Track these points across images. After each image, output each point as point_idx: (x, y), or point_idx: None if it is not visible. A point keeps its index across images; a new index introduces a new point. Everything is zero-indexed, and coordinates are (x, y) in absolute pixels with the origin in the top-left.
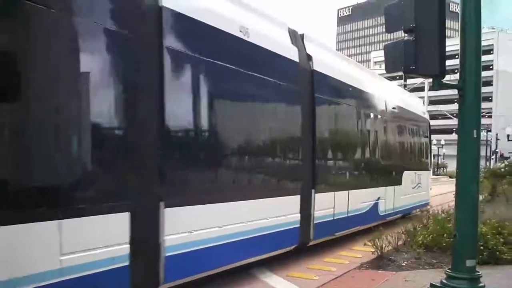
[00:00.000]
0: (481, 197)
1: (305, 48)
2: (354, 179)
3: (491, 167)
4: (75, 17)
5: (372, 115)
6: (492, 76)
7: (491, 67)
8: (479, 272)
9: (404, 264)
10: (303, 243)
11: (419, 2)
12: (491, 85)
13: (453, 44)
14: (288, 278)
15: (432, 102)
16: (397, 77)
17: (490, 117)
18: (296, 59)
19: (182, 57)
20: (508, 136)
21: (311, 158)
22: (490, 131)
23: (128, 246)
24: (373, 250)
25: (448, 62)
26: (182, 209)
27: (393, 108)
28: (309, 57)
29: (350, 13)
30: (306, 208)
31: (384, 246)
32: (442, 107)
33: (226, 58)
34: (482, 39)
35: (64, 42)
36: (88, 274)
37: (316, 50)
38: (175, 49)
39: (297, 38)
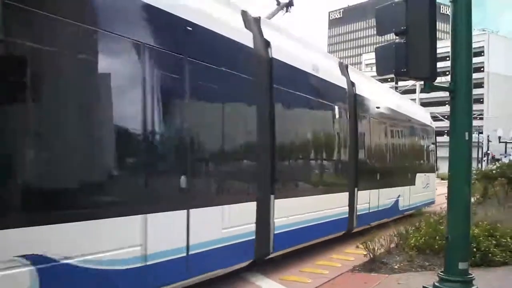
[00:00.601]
0: (473, 199)
1: (349, 77)
2: (382, 180)
3: (483, 169)
4: (224, 68)
5: (396, 127)
6: (483, 78)
7: (482, 69)
8: (471, 274)
9: (396, 267)
10: (349, 230)
11: (410, 4)
12: (482, 87)
13: (444, 46)
14: (281, 282)
15: (423, 104)
16: (389, 79)
17: (481, 119)
18: (345, 86)
19: (283, 91)
20: (499, 138)
21: (355, 162)
22: (481, 133)
23: (254, 225)
24: (365, 253)
25: (440, 64)
26: (284, 201)
27: (409, 119)
28: (353, 84)
29: (341, 15)
30: (352, 202)
31: (376, 248)
32: (433, 109)
33: (307, 90)
34: (473, 41)
35: (219, 85)
36: (232, 244)
37: (356, 77)
38: (282, 88)
39: (343, 68)
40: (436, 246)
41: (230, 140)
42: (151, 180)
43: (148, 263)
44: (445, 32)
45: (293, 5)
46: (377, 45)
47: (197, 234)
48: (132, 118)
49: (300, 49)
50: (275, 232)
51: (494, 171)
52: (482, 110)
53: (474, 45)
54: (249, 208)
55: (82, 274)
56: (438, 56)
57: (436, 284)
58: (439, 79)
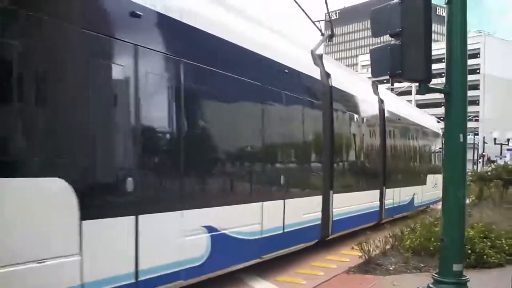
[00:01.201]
0: (468, 201)
1: (379, 95)
2: (402, 180)
3: (478, 170)
4: (302, 96)
5: (412, 135)
6: (479, 80)
7: (478, 70)
8: (466, 276)
9: (391, 268)
10: (379, 221)
11: (405, 6)
12: (478, 88)
13: (440, 47)
14: (276, 283)
15: (419, 105)
16: (384, 81)
17: (477, 120)
18: (377, 104)
19: (340, 112)
20: (495, 139)
21: (383, 165)
22: (477, 134)
23: (320, 213)
24: (360, 254)
25: (436, 66)
26: (338, 195)
27: (422, 128)
28: (382, 101)
29: (337, 16)
30: (381, 198)
31: (371, 250)
32: (429, 110)
33: (353, 108)
34: (469, 43)
35: (300, 110)
36: (308, 226)
37: (384, 94)
38: (337, 108)
39: (375, 89)
40: (431, 248)
41: (308, 150)
42: (268, 180)
43: (263, 236)
44: (441, 34)
45: (334, 36)
46: (373, 47)
47: (289, 217)
48: (272, 147)
49: (347, 76)
50: (333, 219)
51: (489, 173)
52: (478, 112)
53: (470, 47)
54: (318, 200)
55: (230, 239)
56: (434, 58)
57: (430, 285)
58: (435, 81)
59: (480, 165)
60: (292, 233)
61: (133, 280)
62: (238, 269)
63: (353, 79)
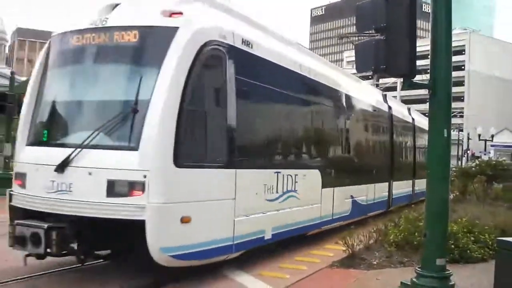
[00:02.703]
0: (452, 196)
1: (412, 115)
2: (423, 173)
3: (463, 166)
4: (381, 124)
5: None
6: (464, 76)
7: (463, 67)
8: (449, 270)
9: (375, 263)
10: (410, 201)
11: (390, 1)
12: (463, 85)
13: (426, 44)
14: (259, 277)
15: (404, 101)
16: (370, 76)
17: (462, 116)
18: (411, 121)
19: (395, 130)
20: (479, 135)
21: (414, 163)
22: (462, 130)
23: (387, 193)
24: (344, 249)
25: (421, 62)
26: (395, 182)
27: None
28: (414, 119)
29: (323, 12)
30: (412, 186)
31: (355, 244)
32: (414, 106)
33: (402, 127)
34: (454, 39)
35: (382, 131)
36: (382, 200)
37: (414, 115)
38: (394, 128)
39: (409, 111)
40: (415, 242)
41: (383, 154)
42: (369, 172)
43: (368, 203)
44: (427, 30)
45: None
46: (357, 42)
47: (376, 194)
48: (372, 155)
49: (397, 105)
50: (392, 197)
51: (473, 169)
52: (463, 108)
53: (455, 44)
54: (386, 185)
55: (357, 203)
56: (420, 54)
57: (413, 280)
58: (420, 77)
59: (464, 160)
60: (376, 203)
61: (330, 218)
62: (221, 263)
63: (400, 107)
